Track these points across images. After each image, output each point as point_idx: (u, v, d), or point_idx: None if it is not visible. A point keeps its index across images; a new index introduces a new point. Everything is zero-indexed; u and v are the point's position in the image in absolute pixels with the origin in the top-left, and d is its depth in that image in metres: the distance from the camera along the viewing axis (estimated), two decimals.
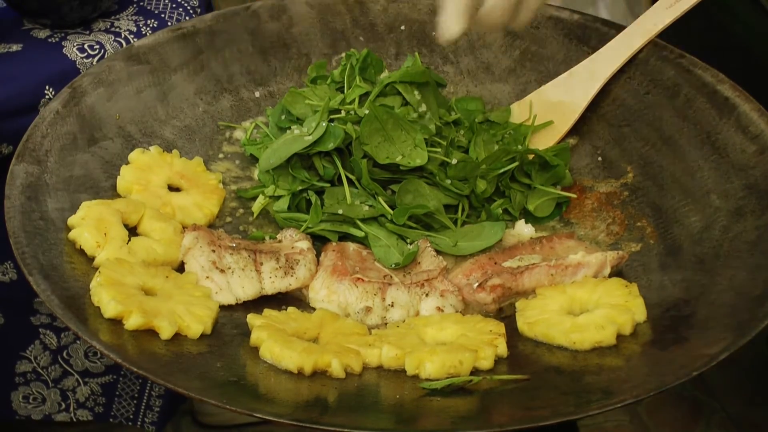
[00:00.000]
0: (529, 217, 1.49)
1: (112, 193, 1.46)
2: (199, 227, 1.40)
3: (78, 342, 2.04)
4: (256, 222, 1.49)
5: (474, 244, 1.43)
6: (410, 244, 1.42)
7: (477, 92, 1.67)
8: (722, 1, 2.20)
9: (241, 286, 1.34)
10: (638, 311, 1.29)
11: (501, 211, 1.49)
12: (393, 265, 1.39)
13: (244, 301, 1.35)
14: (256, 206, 1.49)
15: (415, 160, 1.45)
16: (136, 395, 2.14)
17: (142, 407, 2.16)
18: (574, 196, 1.52)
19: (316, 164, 1.47)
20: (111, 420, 2.16)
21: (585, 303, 1.32)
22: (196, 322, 1.26)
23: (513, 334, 1.30)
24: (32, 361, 2.06)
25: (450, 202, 1.47)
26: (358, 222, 1.43)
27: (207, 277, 1.34)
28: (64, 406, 2.12)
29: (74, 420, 2.14)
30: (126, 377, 2.11)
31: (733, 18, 2.16)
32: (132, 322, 1.23)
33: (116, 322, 1.24)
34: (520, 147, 1.53)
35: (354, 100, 1.54)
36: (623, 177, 1.53)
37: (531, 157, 1.52)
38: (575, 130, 1.61)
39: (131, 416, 2.16)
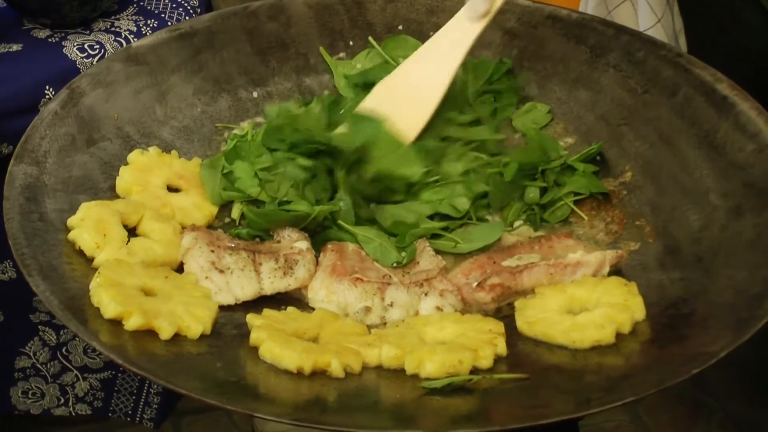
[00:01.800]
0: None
1: (111, 193, 1.46)
2: (198, 228, 1.40)
3: (77, 339, 2.05)
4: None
5: (473, 244, 1.43)
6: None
7: None
8: (722, 1, 2.21)
9: (240, 287, 1.34)
10: (637, 310, 1.29)
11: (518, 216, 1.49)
12: (394, 264, 1.40)
13: (243, 302, 1.35)
14: (236, 212, 1.48)
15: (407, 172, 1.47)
16: (135, 391, 2.14)
17: (141, 403, 2.16)
18: (606, 190, 1.52)
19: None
20: (110, 415, 2.16)
21: (584, 302, 1.32)
22: (196, 323, 1.26)
23: (512, 334, 1.30)
24: (31, 357, 2.06)
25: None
26: (346, 226, 1.44)
27: (206, 278, 1.34)
28: (63, 400, 2.12)
29: (73, 414, 2.15)
30: (125, 373, 2.12)
31: (733, 18, 2.16)
32: (132, 323, 1.23)
33: (116, 323, 1.24)
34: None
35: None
36: (622, 176, 1.53)
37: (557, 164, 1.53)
38: (574, 129, 1.61)
39: (130, 411, 2.16)
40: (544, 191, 1.51)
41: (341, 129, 1.52)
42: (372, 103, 1.54)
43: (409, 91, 1.54)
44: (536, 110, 1.64)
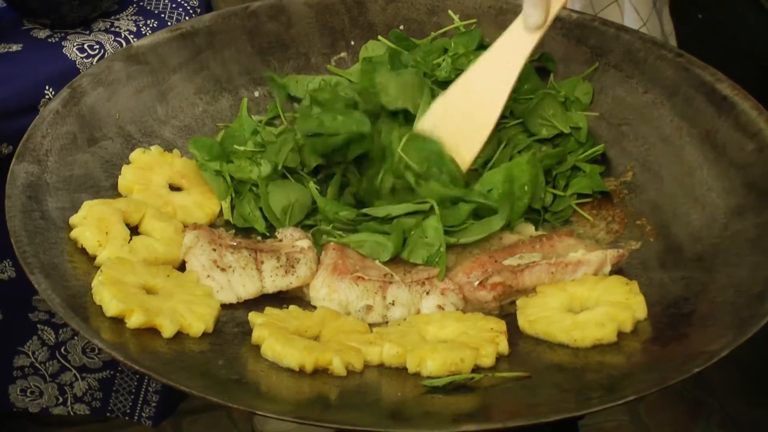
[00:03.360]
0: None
1: (112, 192, 1.46)
2: (199, 226, 1.40)
3: (76, 338, 2.05)
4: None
5: (471, 236, 1.42)
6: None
7: None
8: (722, 1, 2.21)
9: (242, 285, 1.35)
10: (639, 309, 1.29)
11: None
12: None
13: (245, 300, 1.35)
14: (227, 212, 1.48)
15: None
16: (134, 391, 2.14)
17: (139, 402, 2.16)
18: (608, 189, 1.51)
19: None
20: (108, 414, 2.17)
21: (585, 300, 1.32)
22: (198, 321, 1.26)
23: (514, 332, 1.30)
24: (30, 356, 2.06)
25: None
26: (337, 234, 1.43)
27: (208, 276, 1.34)
28: (61, 400, 2.13)
29: (71, 413, 2.15)
30: (123, 373, 2.12)
31: (733, 18, 2.17)
32: (134, 321, 1.23)
33: (118, 321, 1.24)
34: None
35: None
36: (623, 175, 1.53)
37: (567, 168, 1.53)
38: None
39: (128, 411, 2.17)
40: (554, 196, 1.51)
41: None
42: (431, 121, 1.50)
43: (468, 109, 1.49)
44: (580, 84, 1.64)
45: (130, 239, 1.36)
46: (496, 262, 1.37)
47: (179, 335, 1.25)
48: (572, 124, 1.56)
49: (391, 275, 1.36)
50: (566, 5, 1.48)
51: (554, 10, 1.47)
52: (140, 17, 1.95)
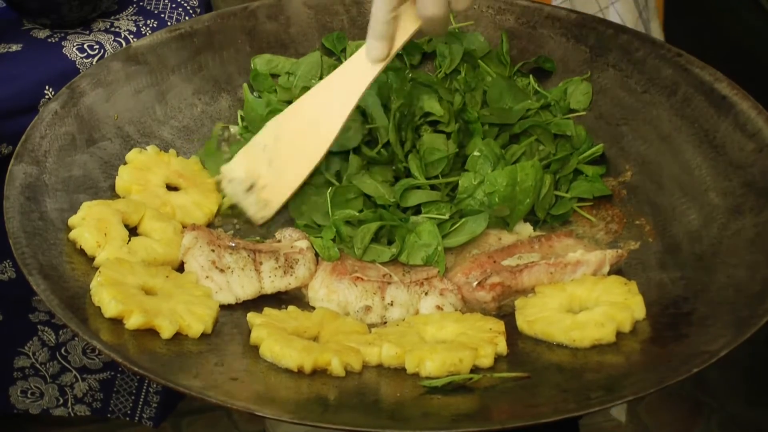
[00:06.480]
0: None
1: (111, 193, 1.46)
2: (198, 227, 1.40)
3: (76, 339, 2.05)
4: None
5: (458, 239, 1.42)
6: None
7: None
8: (722, 1, 2.20)
9: (240, 286, 1.35)
10: (638, 309, 1.29)
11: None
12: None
13: (243, 301, 1.35)
14: (225, 204, 1.49)
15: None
16: (134, 391, 2.14)
17: (140, 403, 2.16)
18: (610, 192, 1.51)
19: None
20: (109, 415, 2.17)
21: (584, 301, 1.32)
22: (197, 322, 1.26)
23: (513, 333, 1.30)
24: (30, 357, 2.06)
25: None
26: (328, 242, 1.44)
27: (207, 277, 1.34)
28: (62, 401, 2.13)
29: (72, 415, 2.15)
30: (124, 374, 2.12)
31: (733, 18, 2.17)
32: (133, 322, 1.23)
33: (117, 322, 1.24)
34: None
35: None
36: (622, 175, 1.53)
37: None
38: None
39: (129, 412, 2.17)
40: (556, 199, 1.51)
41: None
42: (262, 140, 1.50)
43: (304, 126, 1.48)
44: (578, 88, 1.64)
45: (129, 240, 1.36)
46: (495, 262, 1.37)
47: (178, 336, 1.25)
48: (560, 132, 1.55)
49: (390, 276, 1.36)
50: (410, 41, 1.43)
51: (398, 45, 1.41)
52: (140, 17, 1.95)
